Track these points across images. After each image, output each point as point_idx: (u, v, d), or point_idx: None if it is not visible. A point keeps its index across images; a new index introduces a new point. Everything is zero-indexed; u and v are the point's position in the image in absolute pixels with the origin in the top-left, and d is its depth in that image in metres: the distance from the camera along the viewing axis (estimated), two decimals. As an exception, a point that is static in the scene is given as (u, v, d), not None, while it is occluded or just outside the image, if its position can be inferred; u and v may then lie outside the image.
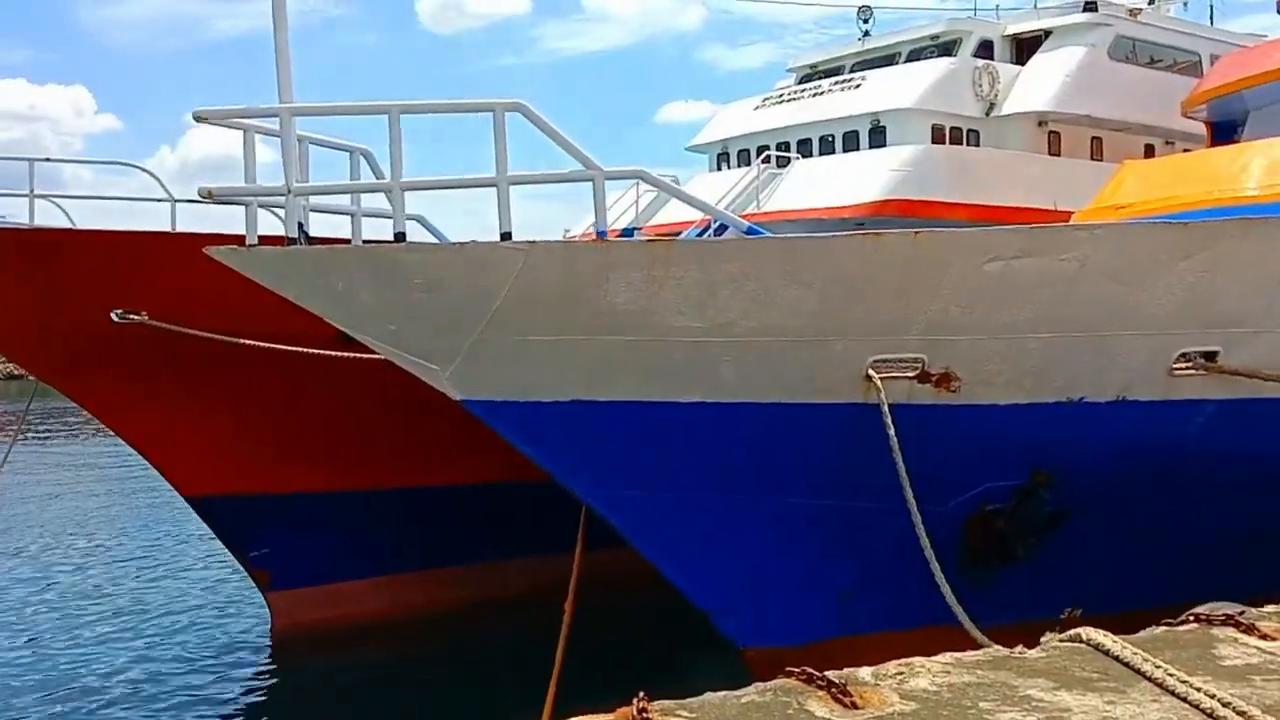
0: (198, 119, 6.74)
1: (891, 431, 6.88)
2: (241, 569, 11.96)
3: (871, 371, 7.00)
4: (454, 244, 6.80)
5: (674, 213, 19.66)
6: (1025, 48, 22.51)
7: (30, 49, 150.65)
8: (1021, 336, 7.14)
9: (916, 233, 6.73)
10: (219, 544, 12.06)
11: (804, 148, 21.25)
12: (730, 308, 6.73)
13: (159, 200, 11.42)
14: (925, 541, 6.88)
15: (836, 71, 23.17)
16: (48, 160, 11.36)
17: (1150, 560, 8.53)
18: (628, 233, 17.38)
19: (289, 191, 6.64)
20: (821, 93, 21.81)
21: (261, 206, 7.41)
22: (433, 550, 11.84)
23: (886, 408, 6.91)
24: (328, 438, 11.09)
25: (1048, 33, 22.22)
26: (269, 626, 11.64)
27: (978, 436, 7.60)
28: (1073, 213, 14.02)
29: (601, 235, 6.68)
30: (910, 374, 7.11)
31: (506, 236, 6.57)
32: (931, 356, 7.08)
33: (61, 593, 13.51)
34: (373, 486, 11.47)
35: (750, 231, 6.89)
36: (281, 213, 9.30)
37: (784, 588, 8.02)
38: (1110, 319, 7.34)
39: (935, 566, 6.82)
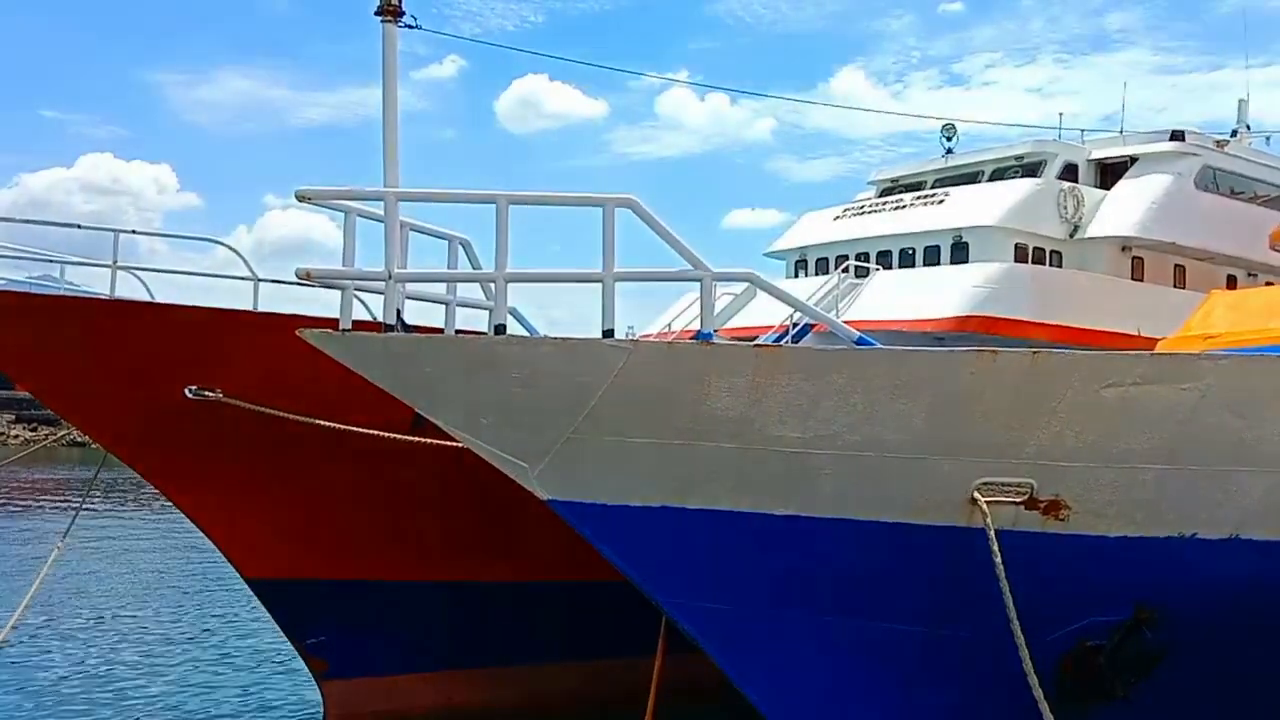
0: (300, 198, 6.70)
1: (997, 559, 6.54)
2: (297, 656, 11.71)
3: (978, 494, 6.71)
4: (555, 338, 6.69)
5: (749, 317, 19.53)
6: (1110, 173, 22.34)
7: (118, 125, 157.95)
8: (1136, 467, 6.82)
9: (1035, 352, 6.50)
10: (276, 628, 11.84)
11: (884, 259, 21.12)
12: (834, 419, 6.52)
13: (243, 278, 11.33)
14: (1032, 676, 6.49)
15: (918, 186, 23.16)
16: (134, 233, 11.32)
17: (1252, 705, 8.07)
18: (704, 336, 17.18)
19: (390, 277, 6.56)
20: (903, 206, 21.76)
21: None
22: (494, 648, 11.50)
23: (993, 533, 6.59)
24: (393, 527, 10.91)
25: (1133, 159, 22.06)
26: (321, 717, 11.33)
27: (1084, 569, 7.24)
28: (1157, 340, 13.66)
29: (706, 338, 6.52)
30: (1017, 499, 6.80)
31: (609, 333, 6.44)
32: (1041, 482, 6.78)
33: (110, 669, 13.35)
34: (436, 579, 11.23)
35: (860, 342, 6.69)
36: (368, 298, 9.39)
37: (871, 715, 7.61)
38: (1228, 453, 7.01)
39: (1044, 704, 6.40)
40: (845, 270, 19.95)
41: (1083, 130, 24.33)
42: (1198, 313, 13.15)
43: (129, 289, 10.62)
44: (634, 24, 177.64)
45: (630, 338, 6.99)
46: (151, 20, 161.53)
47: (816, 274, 22.36)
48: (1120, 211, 20.84)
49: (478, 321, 9.75)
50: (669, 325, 20.43)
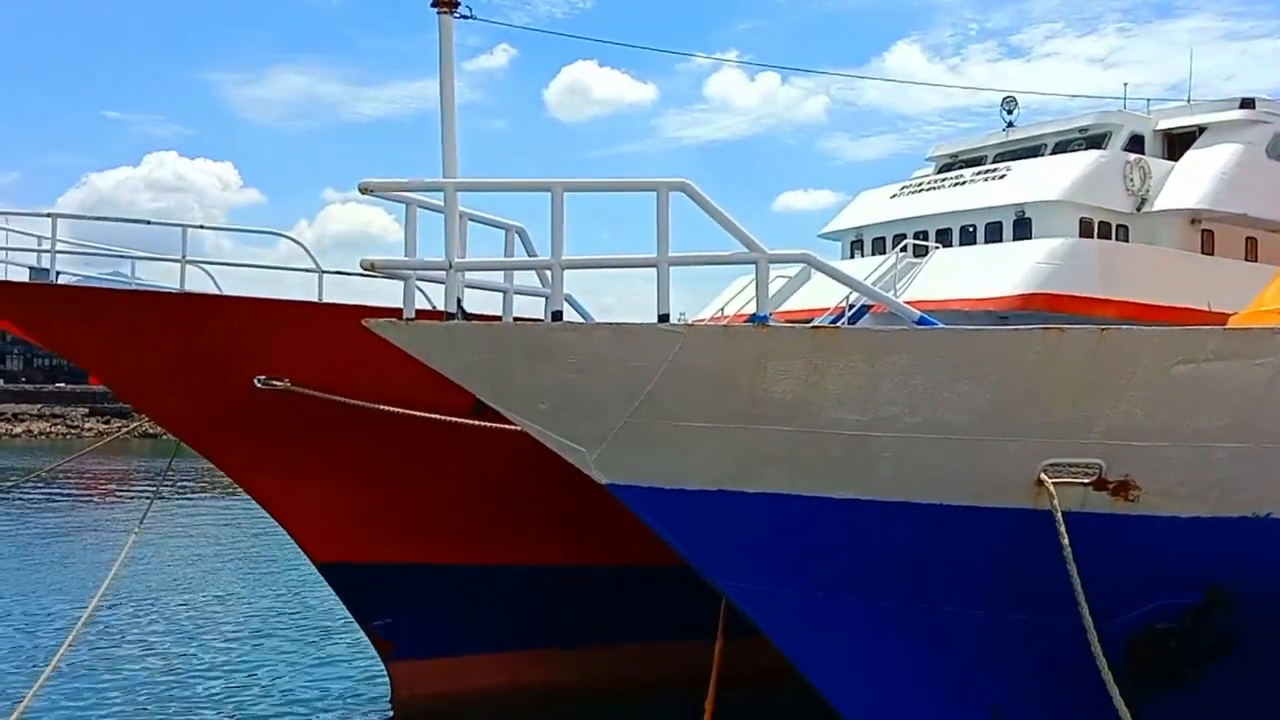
0: (363, 190, 6.79)
1: (1065, 541, 6.43)
2: (365, 637, 11.91)
3: (1044, 475, 6.59)
4: (610, 324, 6.70)
5: (803, 300, 19.38)
6: (1177, 143, 21.76)
7: (181, 125, 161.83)
8: (1209, 445, 6.64)
9: (1103, 329, 6.35)
10: (344, 611, 12.06)
11: (943, 237, 20.78)
12: (894, 401, 6.43)
13: (307, 270, 11.55)
14: (1101, 659, 6.37)
15: (978, 161, 22.74)
16: (201, 227, 11.67)
17: None
18: (760, 319, 16.99)
19: (450, 266, 6.61)
20: (963, 182, 21.37)
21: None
22: (558, 629, 11.61)
23: (1060, 515, 6.47)
24: (459, 511, 11.03)
25: (1202, 129, 21.45)
26: (389, 697, 11.53)
27: (1154, 550, 7.08)
28: (1229, 315, 13.28)
29: (762, 320, 6.48)
30: (1086, 480, 6.67)
31: (665, 318, 6.43)
32: (1110, 462, 6.64)
33: (185, 648, 13.73)
34: (501, 562, 11.34)
35: (922, 322, 6.60)
36: (428, 287, 9.47)
37: (933, 699, 7.54)
38: None
39: (1113, 688, 6.29)
40: (903, 249, 19.68)
41: (1148, 100, 23.74)
42: (1272, 286, 12.75)
43: (196, 283, 10.86)
44: (682, 6, 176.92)
45: (683, 323, 6.98)
46: (207, 21, 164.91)
47: (873, 254, 22.12)
48: (1189, 183, 20.30)
49: (534, 309, 9.81)
50: (721, 310, 20.35)
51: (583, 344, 6.49)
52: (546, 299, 7.66)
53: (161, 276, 11.28)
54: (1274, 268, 14.84)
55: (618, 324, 6.67)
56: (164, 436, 11.66)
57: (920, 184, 22.73)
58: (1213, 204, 20.01)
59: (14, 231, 10.74)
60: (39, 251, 10.49)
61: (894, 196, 22.81)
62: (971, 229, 20.71)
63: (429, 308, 9.79)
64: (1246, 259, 20.82)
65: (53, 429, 68.23)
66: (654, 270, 6.45)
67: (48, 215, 10.53)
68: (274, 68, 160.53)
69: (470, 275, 8.42)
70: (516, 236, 8.79)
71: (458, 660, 11.46)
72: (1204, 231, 20.58)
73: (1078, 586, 6.46)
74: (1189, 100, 23.30)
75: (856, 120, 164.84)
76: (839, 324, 15.65)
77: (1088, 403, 6.46)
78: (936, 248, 20.04)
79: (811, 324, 7.31)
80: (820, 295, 18.50)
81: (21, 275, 10.54)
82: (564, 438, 6.79)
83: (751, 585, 7.19)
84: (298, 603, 16.48)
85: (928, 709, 7.47)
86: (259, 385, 9.92)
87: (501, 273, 8.95)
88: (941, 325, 6.65)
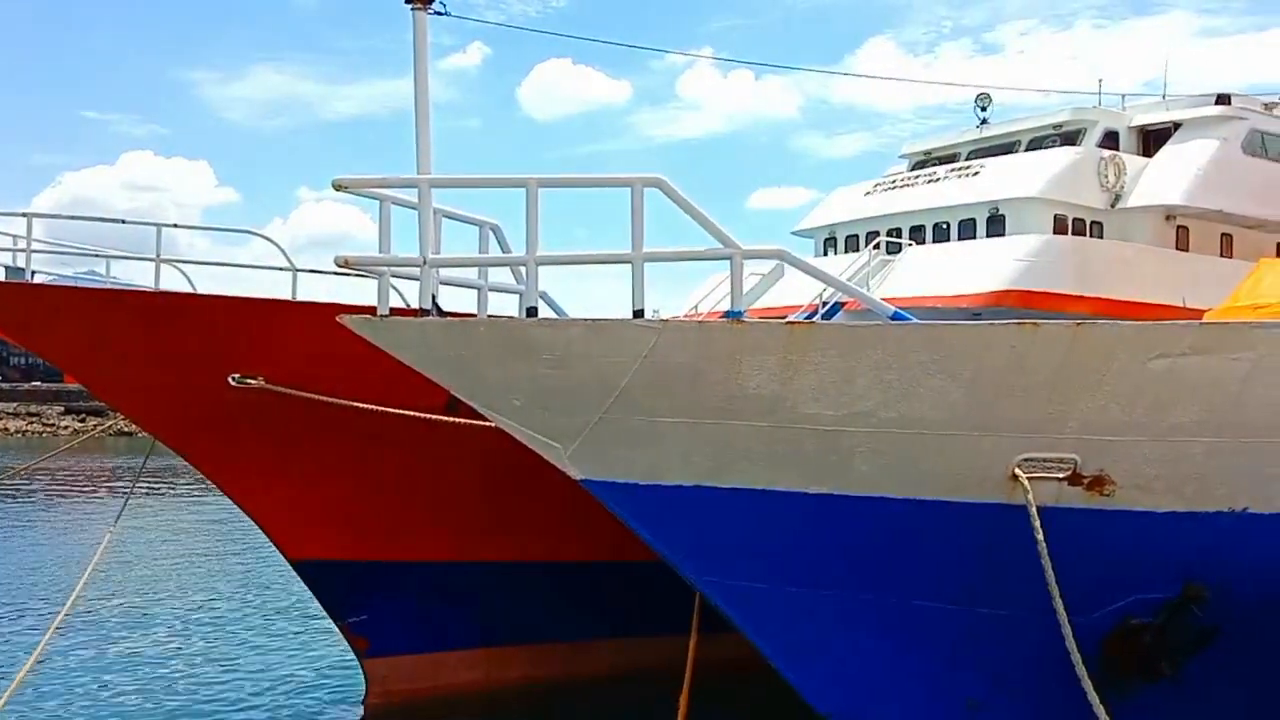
0: (337, 187, 6.77)
1: (1039, 536, 6.44)
2: (339, 635, 11.85)
3: (1019, 470, 6.60)
4: (585, 320, 6.67)
5: (777, 298, 19.36)
6: (1153, 139, 21.84)
7: (157, 124, 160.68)
8: (1185, 440, 6.67)
9: (1078, 324, 6.36)
10: (318, 608, 11.99)
11: (917, 235, 20.77)
12: (869, 396, 6.43)
13: (281, 269, 11.51)
14: (1076, 655, 6.39)
15: (952, 158, 22.77)
16: (175, 226, 11.66)
17: None
18: (734, 315, 16.93)
19: (424, 263, 6.59)
20: (937, 179, 21.36)
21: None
22: (532, 625, 11.60)
23: (1034, 510, 6.49)
24: (434, 508, 11.01)
25: (1177, 125, 21.54)
26: (363, 694, 11.48)
27: (1130, 545, 7.10)
28: (1203, 311, 13.37)
29: (737, 316, 6.47)
30: (1060, 475, 6.68)
31: (639, 314, 6.41)
32: (1085, 457, 6.65)
33: (160, 647, 13.64)
34: (476, 559, 11.32)
35: (896, 317, 6.60)
36: (403, 285, 9.41)
37: (908, 694, 7.56)
38: None
39: (1088, 684, 6.30)
40: (877, 247, 19.69)
41: (1123, 96, 23.77)
42: (1247, 281, 12.86)
43: (171, 282, 10.82)
44: (656, 4, 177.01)
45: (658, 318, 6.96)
46: (185, 20, 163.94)
47: (846, 252, 22.12)
48: (1163, 179, 20.37)
49: (509, 306, 9.79)
50: (695, 307, 20.32)
51: (557, 339, 6.46)
52: (521, 295, 7.63)
53: (136, 275, 11.29)
54: (1249, 264, 14.95)
55: (592, 319, 6.63)
56: (139, 434, 11.61)
57: (894, 181, 22.73)
58: (1188, 200, 20.09)
59: None
60: (14, 251, 10.46)
61: (867, 194, 22.80)
62: (945, 226, 20.73)
63: (404, 305, 9.75)
64: (1222, 255, 20.93)
65: (28, 427, 67.62)
66: (629, 267, 6.44)
67: (22, 215, 10.49)
68: (252, 66, 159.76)
69: (445, 272, 8.40)
70: (491, 233, 8.78)
71: (432, 657, 11.45)
72: (1179, 228, 20.66)
73: (1052, 581, 6.48)
74: (1164, 96, 23.36)
75: (830, 118, 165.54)
76: (813, 320, 15.72)
77: (1062, 398, 6.48)
78: (910, 245, 20.06)
79: (786, 320, 7.30)
80: (794, 292, 18.50)
81: None
82: (538, 434, 6.78)
83: (726, 580, 7.19)
84: (271, 600, 16.38)
85: (902, 703, 7.48)
86: (233, 383, 9.91)
87: (476, 270, 8.92)
88: (916, 320, 6.65)
